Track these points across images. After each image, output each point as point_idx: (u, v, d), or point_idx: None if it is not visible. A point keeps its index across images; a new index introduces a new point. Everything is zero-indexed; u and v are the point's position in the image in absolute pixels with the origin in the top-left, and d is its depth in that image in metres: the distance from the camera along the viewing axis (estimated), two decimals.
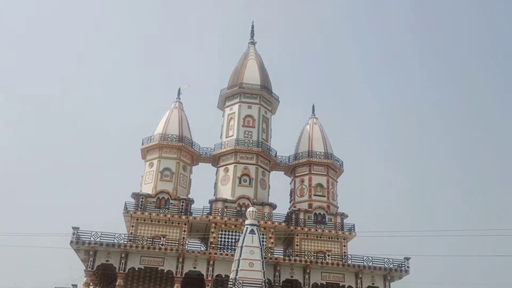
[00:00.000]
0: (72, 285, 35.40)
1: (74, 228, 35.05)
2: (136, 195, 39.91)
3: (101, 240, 34.93)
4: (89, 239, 34.79)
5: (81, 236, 34.92)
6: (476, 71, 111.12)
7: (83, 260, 35.84)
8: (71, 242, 34.61)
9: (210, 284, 34.16)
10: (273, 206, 41.18)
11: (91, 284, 35.83)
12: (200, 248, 38.86)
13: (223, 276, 35.21)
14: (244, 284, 31.57)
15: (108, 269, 36.34)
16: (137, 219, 38.43)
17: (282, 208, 44.01)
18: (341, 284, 37.48)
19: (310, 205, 42.18)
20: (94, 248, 34.69)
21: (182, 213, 39.21)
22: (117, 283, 35.08)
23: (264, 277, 32.72)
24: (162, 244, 35.93)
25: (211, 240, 38.20)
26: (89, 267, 34.70)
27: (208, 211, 39.68)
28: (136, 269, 36.03)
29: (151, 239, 36.95)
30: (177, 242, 37.11)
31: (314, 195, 42.80)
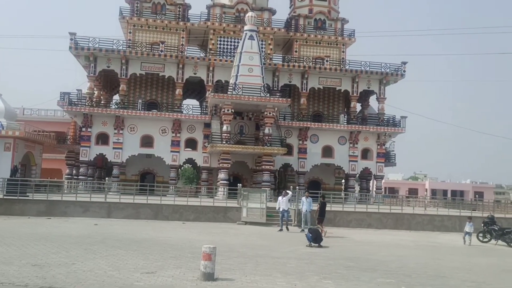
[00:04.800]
0: (77, 89, 36.38)
1: (71, 33, 34.43)
2: (130, 0, 38.21)
3: (100, 46, 34.70)
4: (87, 45, 34.52)
5: (79, 42, 34.55)
6: None
7: (85, 66, 36.18)
8: (70, 47, 34.39)
9: (210, 89, 35.16)
10: (272, 12, 39.90)
11: (95, 89, 36.90)
12: (200, 54, 38.89)
13: (223, 81, 36.05)
14: (243, 88, 32.55)
15: (111, 75, 37.02)
16: (134, 25, 37.53)
17: (282, 14, 42.85)
18: (337, 88, 38.77)
19: (310, 10, 40.86)
20: (94, 54, 34.68)
21: (180, 19, 38.14)
22: (120, 88, 36.10)
23: (263, 82, 33.61)
24: (162, 51, 35.80)
25: (210, 46, 38.00)
26: (91, 73, 35.24)
27: (206, 17, 38.55)
28: (138, 74, 36.66)
29: (150, 46, 36.70)
30: (176, 48, 36.93)
31: None
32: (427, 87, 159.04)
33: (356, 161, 37.47)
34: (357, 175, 38.96)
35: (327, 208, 21.31)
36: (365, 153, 38.00)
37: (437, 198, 48.69)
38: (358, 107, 40.23)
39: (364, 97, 40.32)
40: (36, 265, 10.35)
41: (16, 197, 23.28)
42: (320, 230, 17.17)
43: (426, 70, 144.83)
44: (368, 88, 38.54)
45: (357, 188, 42.71)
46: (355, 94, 38.12)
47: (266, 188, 29.44)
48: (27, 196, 23.86)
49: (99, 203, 23.68)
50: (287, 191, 22.59)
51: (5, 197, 23.47)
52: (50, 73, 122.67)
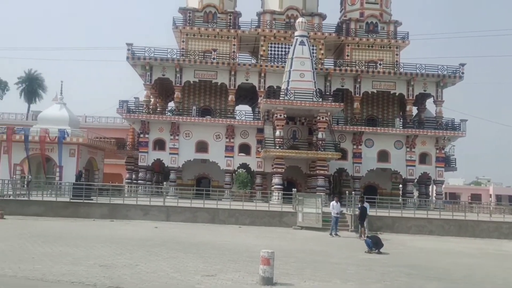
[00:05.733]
0: (135, 97, 37.74)
1: (128, 44, 35.82)
2: (183, 10, 39.27)
3: (155, 55, 35.85)
4: (143, 55, 35.77)
5: (135, 52, 35.86)
6: None
7: (141, 75, 37.48)
8: (127, 58, 35.76)
9: (262, 95, 35.34)
10: (322, 17, 39.61)
11: (151, 96, 38.14)
12: (251, 61, 39.26)
13: (275, 87, 36.13)
14: (295, 94, 32.48)
15: (166, 83, 38.14)
16: (187, 34, 38.45)
17: (332, 18, 42.34)
18: (392, 92, 37.81)
19: (361, 14, 40.18)
20: (149, 63, 35.86)
21: (231, 27, 38.70)
22: (175, 96, 37.08)
23: (315, 87, 33.38)
24: (214, 58, 36.45)
25: (261, 53, 38.23)
26: (147, 81, 36.43)
27: (257, 24, 38.88)
28: (191, 82, 37.49)
29: (203, 54, 37.46)
30: (228, 55, 37.50)
31: (366, 2, 40.29)
32: (491, 89, 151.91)
33: (414, 165, 36.30)
34: (416, 180, 37.75)
35: (383, 214, 20.91)
36: (423, 158, 36.73)
37: (503, 204, 46.24)
38: (414, 110, 39.01)
39: (420, 100, 39.07)
40: (103, 266, 10.79)
41: (81, 201, 24.46)
42: (377, 236, 16.84)
43: (488, 72, 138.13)
44: (424, 91, 37.31)
45: (415, 193, 41.36)
46: (410, 98, 37.01)
47: (321, 193, 29.15)
48: (91, 199, 24.97)
49: (158, 207, 24.37)
50: (336, 199, 22.22)
51: (71, 200, 24.73)
52: (108, 82, 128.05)
